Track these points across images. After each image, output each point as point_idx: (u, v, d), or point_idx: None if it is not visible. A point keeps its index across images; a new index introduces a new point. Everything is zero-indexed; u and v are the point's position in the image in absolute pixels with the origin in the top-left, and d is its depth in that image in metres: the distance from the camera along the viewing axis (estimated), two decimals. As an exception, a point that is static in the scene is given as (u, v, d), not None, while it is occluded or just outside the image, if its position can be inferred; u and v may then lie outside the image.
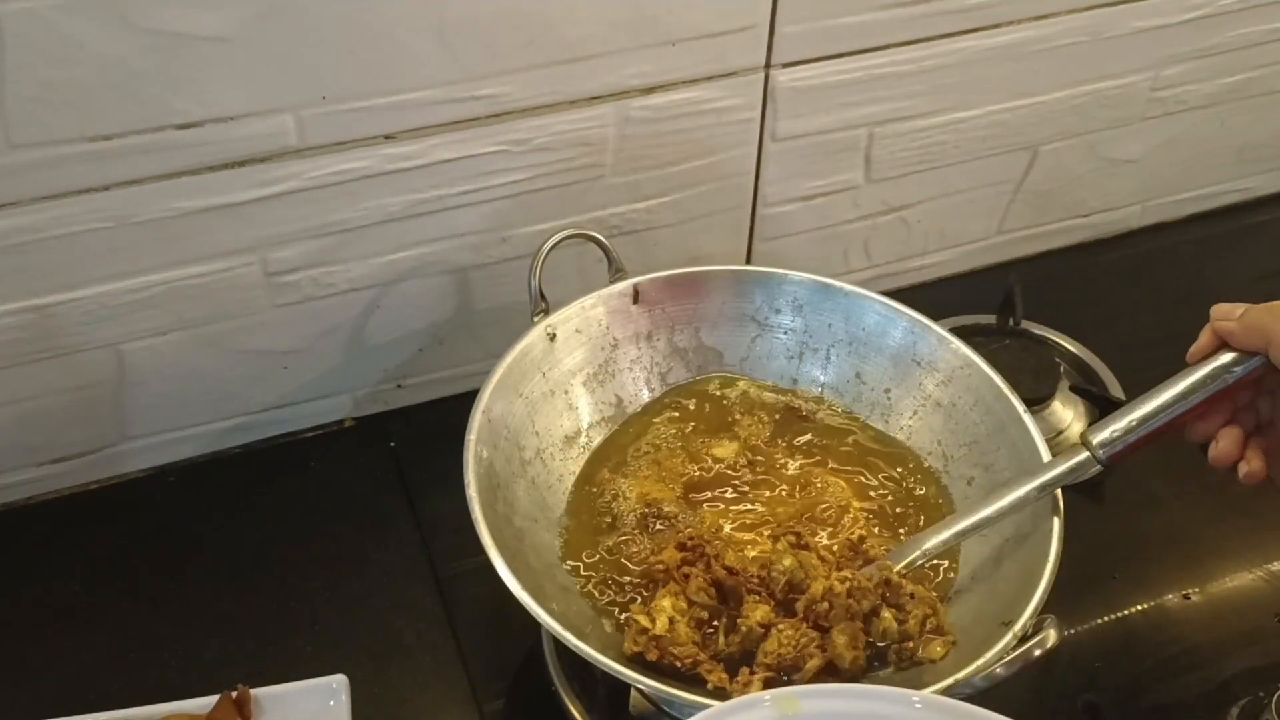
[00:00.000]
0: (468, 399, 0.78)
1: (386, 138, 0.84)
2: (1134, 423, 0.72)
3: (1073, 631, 0.86)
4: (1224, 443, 0.72)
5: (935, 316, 0.86)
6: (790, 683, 0.69)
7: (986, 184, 1.10)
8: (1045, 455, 0.77)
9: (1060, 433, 0.98)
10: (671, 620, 0.70)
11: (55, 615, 0.86)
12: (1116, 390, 1.02)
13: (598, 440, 0.85)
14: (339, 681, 0.77)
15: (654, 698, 0.75)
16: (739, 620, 0.71)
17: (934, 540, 0.75)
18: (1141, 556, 0.92)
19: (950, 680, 0.65)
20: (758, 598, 0.72)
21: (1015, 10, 0.97)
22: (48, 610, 0.86)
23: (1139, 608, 0.89)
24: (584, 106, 0.88)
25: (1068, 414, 0.99)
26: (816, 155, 0.99)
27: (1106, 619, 0.88)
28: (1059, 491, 0.75)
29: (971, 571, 0.78)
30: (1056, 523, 0.73)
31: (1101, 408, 0.99)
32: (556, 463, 0.83)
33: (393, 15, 0.78)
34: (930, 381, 0.85)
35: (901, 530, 0.80)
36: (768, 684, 0.68)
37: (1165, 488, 0.97)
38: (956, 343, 0.85)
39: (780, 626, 0.70)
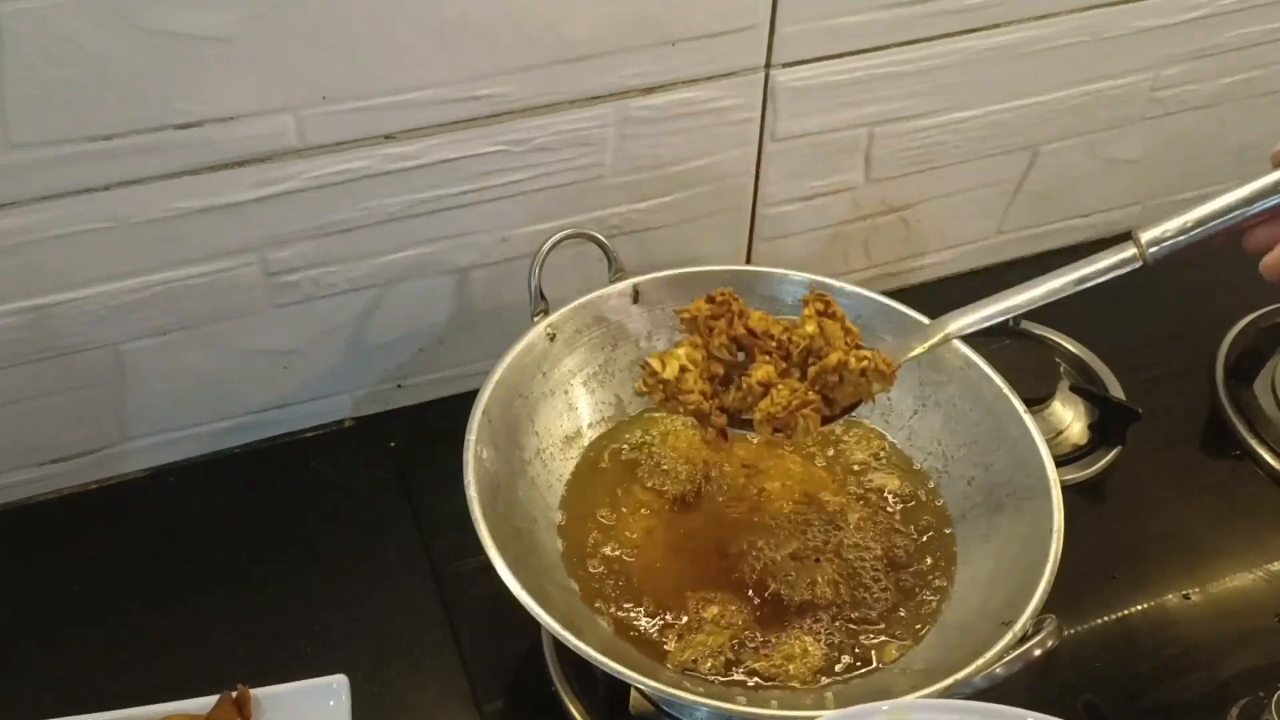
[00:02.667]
0: (468, 399, 0.78)
1: (386, 138, 0.84)
2: (1189, 224, 0.68)
3: (1073, 631, 0.86)
4: (1277, 253, 0.67)
5: (935, 316, 0.86)
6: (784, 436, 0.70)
7: (986, 184, 1.10)
8: (1045, 455, 0.77)
9: (1060, 432, 0.98)
10: (683, 369, 0.71)
11: (55, 615, 0.86)
12: (1116, 390, 1.02)
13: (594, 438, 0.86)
14: (339, 681, 0.77)
15: (654, 698, 0.76)
16: (743, 377, 0.71)
17: (960, 322, 0.74)
18: (1141, 556, 0.92)
19: (950, 680, 0.65)
20: (770, 359, 0.72)
21: (1015, 10, 0.97)
22: (48, 610, 0.86)
23: (1139, 608, 0.89)
24: (584, 106, 0.88)
25: (1068, 414, 0.99)
26: (816, 155, 0.99)
27: (1106, 619, 0.88)
28: (1059, 491, 0.75)
29: (971, 571, 0.78)
30: (1057, 523, 0.73)
31: (1101, 408, 0.99)
32: (556, 463, 0.83)
33: (393, 15, 0.78)
34: (930, 381, 0.85)
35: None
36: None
37: (1165, 488, 0.97)
38: (956, 342, 0.84)
39: (779, 386, 0.70)
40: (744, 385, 0.71)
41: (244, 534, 0.91)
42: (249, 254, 0.86)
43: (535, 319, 0.84)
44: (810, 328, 0.71)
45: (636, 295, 0.87)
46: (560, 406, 0.84)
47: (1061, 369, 1.02)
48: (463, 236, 0.92)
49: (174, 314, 0.86)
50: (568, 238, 0.86)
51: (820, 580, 0.77)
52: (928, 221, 1.10)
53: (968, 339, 0.85)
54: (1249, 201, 0.68)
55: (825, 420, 0.71)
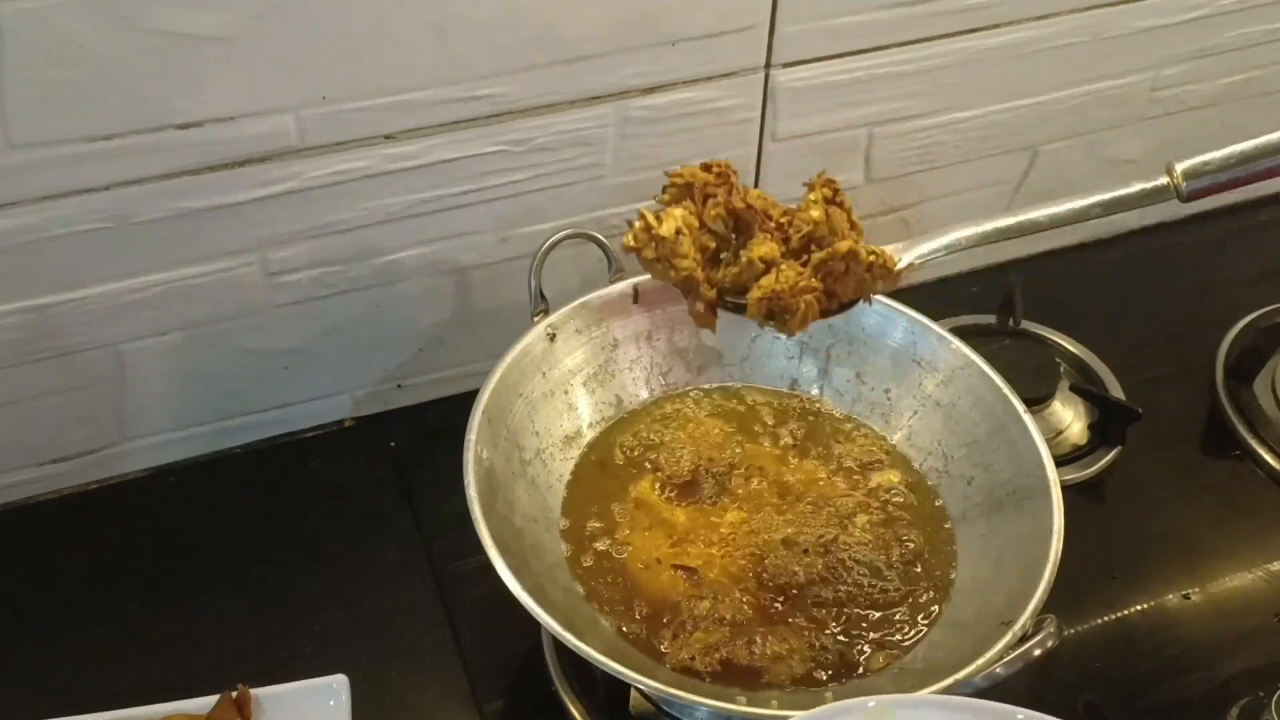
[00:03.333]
0: (468, 399, 0.78)
1: (386, 138, 0.84)
2: (1231, 159, 0.66)
3: (1073, 631, 0.86)
4: None
5: (935, 316, 0.87)
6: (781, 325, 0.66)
7: (986, 184, 1.10)
8: (1045, 455, 0.77)
9: (1060, 432, 0.98)
10: (678, 231, 0.66)
11: (55, 615, 0.86)
12: (1116, 390, 1.02)
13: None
14: (339, 681, 0.77)
15: (654, 698, 0.75)
16: (742, 252, 0.67)
17: (970, 231, 0.71)
18: (1141, 556, 0.92)
19: (950, 680, 0.65)
20: (769, 236, 0.68)
21: (1015, 10, 0.97)
22: (48, 610, 0.86)
23: (1139, 608, 0.89)
24: (584, 106, 0.88)
25: (1068, 414, 0.99)
26: (816, 155, 0.99)
27: (1106, 619, 0.88)
28: (1059, 491, 0.75)
29: (971, 571, 0.78)
30: (1057, 523, 0.73)
31: (1101, 408, 0.99)
32: (556, 463, 0.83)
33: (392, 15, 0.78)
34: (930, 381, 0.85)
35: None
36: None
37: (1165, 488, 0.97)
38: (956, 343, 0.85)
39: (783, 266, 0.66)
40: (743, 259, 0.66)
41: (244, 534, 0.91)
42: (249, 254, 0.86)
43: (535, 319, 0.84)
44: (816, 213, 0.67)
45: (636, 295, 0.87)
46: (560, 406, 0.84)
47: (1061, 369, 1.02)
48: (463, 236, 0.92)
49: (174, 314, 0.86)
50: (568, 238, 0.86)
51: (817, 574, 0.77)
52: (928, 221, 1.10)
53: (967, 339, 0.85)
54: None
55: (824, 313, 0.67)
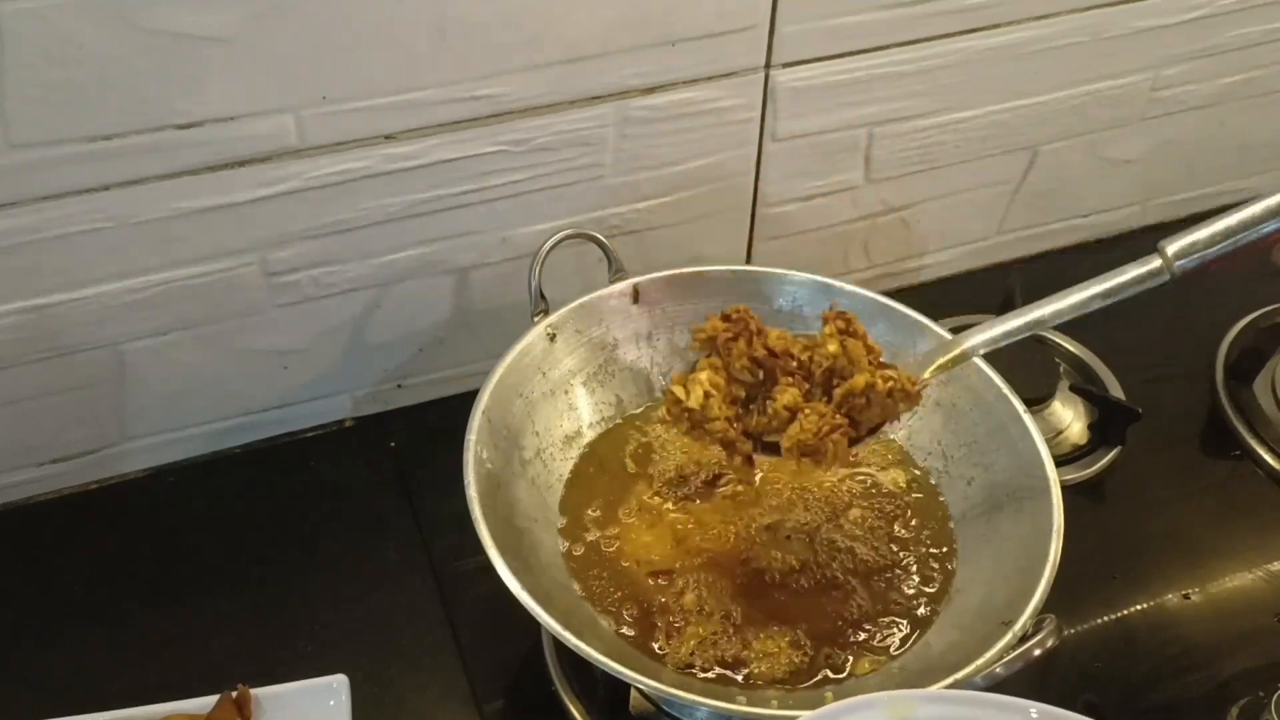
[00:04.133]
0: (468, 399, 0.78)
1: (386, 138, 0.84)
2: (1217, 235, 0.66)
3: (1073, 631, 0.86)
4: None
5: (935, 317, 0.86)
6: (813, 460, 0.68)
7: (986, 184, 1.10)
8: (1045, 455, 0.77)
9: (1060, 432, 0.98)
10: (706, 394, 0.69)
11: (55, 615, 0.86)
12: (1116, 390, 1.02)
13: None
14: (339, 681, 0.77)
15: (654, 698, 0.76)
16: (768, 402, 0.69)
17: (981, 337, 0.73)
18: (1141, 556, 0.92)
19: (950, 679, 0.65)
20: (792, 380, 0.70)
21: (1015, 10, 0.97)
22: (48, 610, 0.86)
23: (1139, 608, 0.89)
24: (584, 106, 0.88)
25: (1068, 414, 0.99)
26: (816, 155, 0.99)
27: (1106, 619, 0.88)
28: (1059, 491, 0.75)
29: (971, 571, 0.78)
30: (1057, 523, 0.73)
31: (1101, 408, 0.99)
32: (556, 463, 0.83)
33: (393, 15, 0.78)
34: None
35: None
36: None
37: (1165, 488, 0.97)
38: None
39: (805, 411, 0.68)
40: (769, 410, 0.69)
41: (244, 534, 0.91)
42: (249, 254, 0.86)
43: (535, 319, 0.84)
44: (833, 347, 0.69)
45: (636, 295, 0.87)
46: (560, 406, 0.85)
47: (1061, 369, 1.02)
48: (463, 236, 0.92)
49: (174, 314, 0.86)
50: (568, 238, 0.86)
51: (815, 572, 0.77)
52: (928, 221, 1.10)
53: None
54: (1276, 213, 0.66)
55: (852, 442, 0.70)
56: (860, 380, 0.68)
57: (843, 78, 0.95)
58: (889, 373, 0.69)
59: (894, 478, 0.84)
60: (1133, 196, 1.19)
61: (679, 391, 0.69)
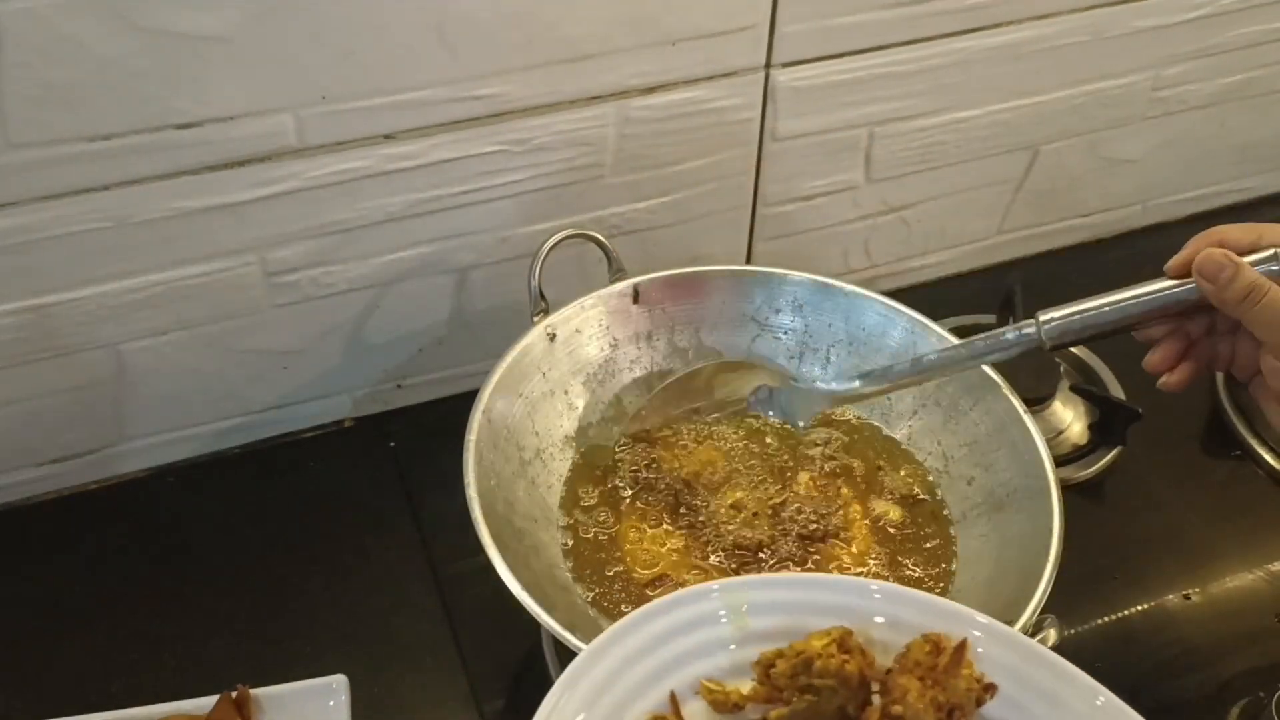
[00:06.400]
0: (468, 399, 0.78)
1: (386, 138, 0.84)
2: (1087, 309, 0.72)
3: (1073, 631, 0.86)
4: (1160, 353, 0.73)
5: (935, 316, 0.86)
6: None
7: (986, 184, 1.10)
8: (1045, 455, 0.77)
9: (1060, 432, 0.98)
10: None
11: (55, 615, 0.86)
12: (1116, 390, 1.02)
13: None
14: (339, 681, 0.77)
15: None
16: None
17: (846, 386, 0.80)
18: (1141, 556, 0.92)
19: (950, 680, 0.65)
20: None
21: (1015, 10, 0.97)
22: (48, 610, 0.86)
23: (1139, 608, 0.89)
24: (584, 106, 0.88)
25: (1068, 414, 0.99)
26: (816, 155, 0.99)
27: (1106, 619, 0.88)
28: (1059, 491, 0.75)
29: (971, 572, 0.78)
30: (1056, 523, 0.73)
31: (1101, 408, 0.99)
32: (556, 463, 0.83)
33: (392, 15, 0.78)
34: (930, 381, 0.85)
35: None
36: None
37: (1165, 488, 0.97)
38: (957, 343, 0.84)
39: None
40: None
41: (244, 534, 0.91)
42: (249, 254, 0.86)
43: (535, 319, 0.84)
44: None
45: (636, 295, 0.87)
46: (560, 406, 0.84)
47: (1061, 369, 1.02)
48: (463, 236, 0.92)
49: (174, 314, 0.86)
50: (568, 238, 0.86)
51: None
52: (928, 221, 1.10)
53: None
54: (1146, 303, 0.71)
55: None
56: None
57: (843, 78, 0.95)
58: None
59: (893, 478, 0.84)
60: (1133, 196, 1.19)
61: None
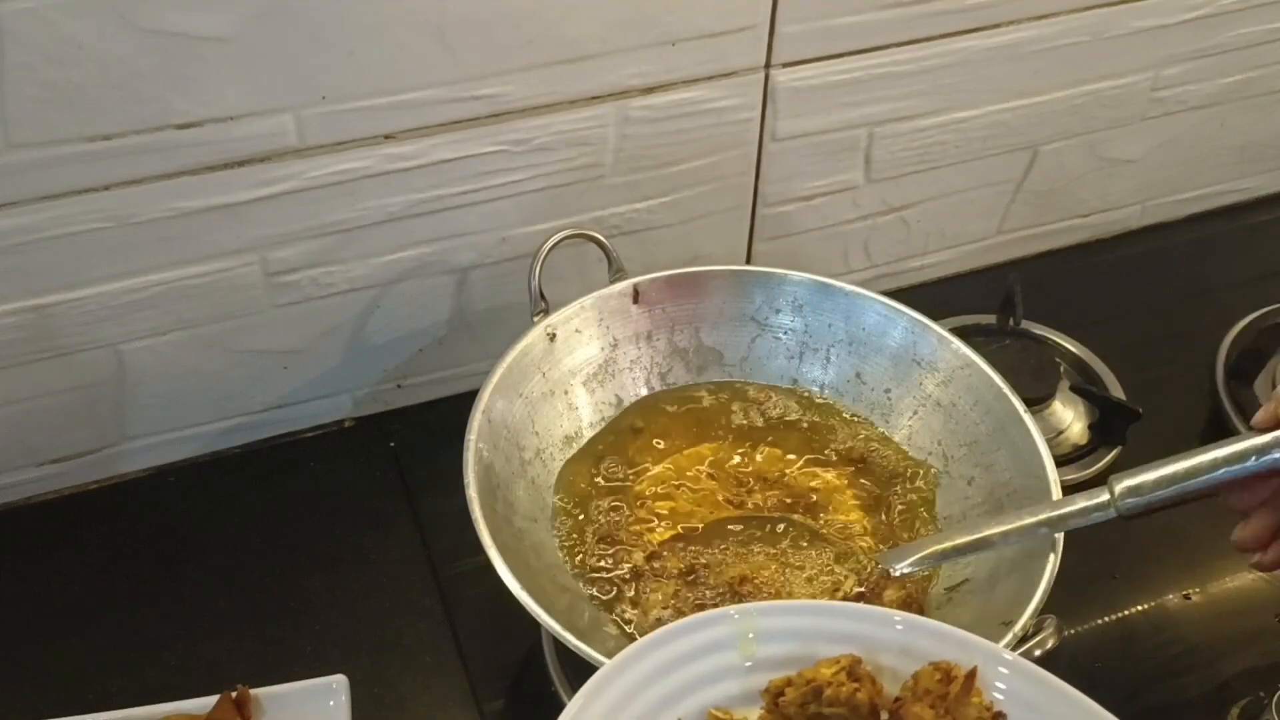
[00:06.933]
0: (468, 399, 0.78)
1: (386, 138, 0.84)
2: (1164, 479, 0.67)
3: (1073, 631, 0.86)
4: (1250, 528, 0.67)
5: (935, 316, 0.87)
6: None
7: (986, 184, 1.10)
8: (1045, 455, 0.77)
9: (1060, 432, 0.98)
10: None
11: (55, 615, 0.86)
12: (1116, 390, 1.02)
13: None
14: (339, 681, 0.77)
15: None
16: None
17: (923, 552, 0.75)
18: (1141, 556, 0.92)
19: (950, 680, 0.65)
20: None
21: (1015, 10, 0.97)
22: (48, 610, 0.86)
23: (1139, 608, 0.89)
24: (584, 106, 0.88)
25: (1068, 414, 0.99)
26: (816, 155, 0.99)
27: (1106, 619, 0.88)
28: (1059, 491, 0.75)
29: (972, 571, 0.78)
30: (1057, 523, 0.73)
31: (1101, 408, 0.99)
32: (556, 463, 0.83)
33: (393, 15, 0.78)
34: (930, 381, 0.85)
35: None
36: None
37: (1165, 488, 0.97)
38: (956, 343, 0.85)
39: None
40: None
41: (244, 534, 0.91)
42: (249, 254, 0.86)
43: (535, 319, 0.84)
44: None
45: (636, 295, 0.87)
46: (560, 406, 0.84)
47: (1061, 369, 1.02)
48: (463, 236, 0.92)
49: (174, 314, 0.86)
50: (568, 238, 0.86)
51: (810, 565, 0.77)
52: (928, 221, 1.10)
53: (967, 339, 0.85)
54: (1225, 463, 0.65)
55: None
56: None
57: (843, 78, 0.95)
58: None
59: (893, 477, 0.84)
60: (1133, 196, 1.19)
61: None
